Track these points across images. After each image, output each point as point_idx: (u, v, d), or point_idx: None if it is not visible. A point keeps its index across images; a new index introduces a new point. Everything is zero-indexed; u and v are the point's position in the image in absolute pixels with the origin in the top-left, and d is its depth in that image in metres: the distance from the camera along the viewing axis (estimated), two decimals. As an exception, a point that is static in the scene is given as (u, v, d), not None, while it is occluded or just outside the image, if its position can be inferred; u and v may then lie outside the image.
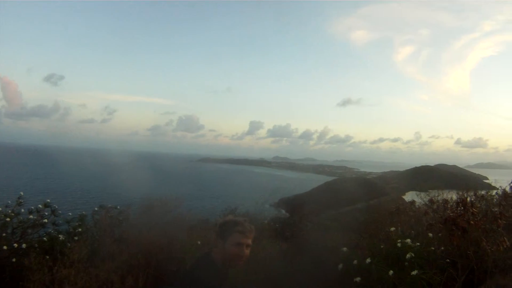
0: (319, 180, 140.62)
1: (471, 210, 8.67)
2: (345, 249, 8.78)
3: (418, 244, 8.36)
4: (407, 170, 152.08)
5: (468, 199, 11.50)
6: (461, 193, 12.04)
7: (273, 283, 8.59)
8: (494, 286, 8.15)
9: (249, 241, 3.57)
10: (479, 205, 11.35)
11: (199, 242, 9.37)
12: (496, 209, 10.40)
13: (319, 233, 13.81)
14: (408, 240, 8.30)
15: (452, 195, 12.45)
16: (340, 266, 8.14)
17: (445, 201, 11.39)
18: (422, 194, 15.69)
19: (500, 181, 14.53)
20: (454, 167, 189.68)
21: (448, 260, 8.36)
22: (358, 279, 7.74)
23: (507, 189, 12.03)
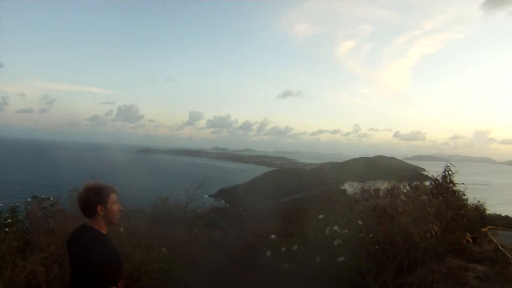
0: (258, 171, 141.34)
1: (399, 198, 8.83)
2: (273, 236, 8.78)
3: (347, 231, 8.42)
4: (345, 161, 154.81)
5: (402, 188, 11.72)
6: (395, 183, 12.21)
7: (203, 271, 8.53)
8: (425, 273, 8.28)
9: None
10: (410, 194, 11.56)
11: (121, 230, 9.21)
12: (425, 197, 10.58)
13: (256, 222, 13.80)
14: (336, 227, 8.35)
15: (387, 185, 12.60)
16: (268, 253, 8.12)
17: (377, 190, 11.52)
18: (360, 184, 15.86)
19: (436, 172, 14.80)
20: (392, 158, 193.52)
21: (377, 247, 8.43)
22: (286, 265, 7.74)
23: (438, 178, 12.25)
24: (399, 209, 8.61)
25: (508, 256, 21.33)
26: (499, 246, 25.38)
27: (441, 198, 10.35)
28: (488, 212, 47.24)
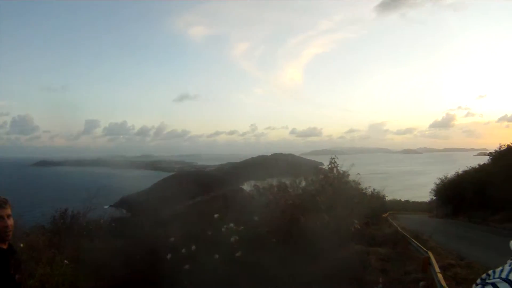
0: (157, 176, 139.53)
1: (288, 192, 9.27)
2: (172, 239, 8.98)
3: (243, 227, 8.75)
4: (244, 161, 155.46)
5: (298, 183, 12.15)
6: (292, 178, 12.63)
7: (107, 280, 8.60)
8: (329, 260, 8.72)
9: (8, 211, 3.75)
10: (302, 187, 12.04)
11: (22, 245, 9.15)
12: (312, 187, 11.10)
13: (157, 228, 13.92)
14: (232, 225, 8.68)
15: (285, 181, 12.97)
16: (169, 255, 8.33)
17: (271, 186, 11.90)
18: (259, 182, 16.19)
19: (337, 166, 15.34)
20: (290, 155, 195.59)
21: (274, 240, 8.79)
22: (187, 266, 7.96)
23: (327, 168, 12.79)
24: (290, 202, 9.05)
25: (407, 237, 22.41)
26: (399, 229, 26.57)
27: (330, 188, 10.90)
28: (388, 198, 49.06)
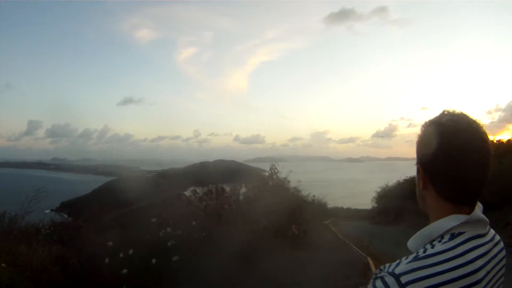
0: (99, 181, 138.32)
1: (226, 197, 9.40)
2: (110, 243, 8.99)
3: (180, 232, 8.85)
4: (187, 167, 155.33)
5: (239, 189, 12.26)
6: (233, 185, 12.77)
7: (45, 285, 8.54)
8: (268, 266, 8.85)
9: None
10: (242, 192, 12.19)
11: None
12: (250, 193, 11.27)
13: (97, 233, 13.84)
14: (169, 229, 8.77)
15: (226, 187, 13.09)
16: (107, 260, 8.33)
17: (209, 192, 12.00)
18: (199, 188, 16.26)
19: (278, 172, 15.50)
20: (233, 161, 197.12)
21: (212, 245, 8.89)
22: (125, 270, 7.98)
23: (267, 175, 12.98)
24: (226, 206, 9.19)
25: (348, 243, 22.76)
26: (339, 235, 26.97)
27: (268, 194, 11.09)
28: (330, 205, 49.64)
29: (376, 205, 50.80)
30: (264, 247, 9.48)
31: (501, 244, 1.66)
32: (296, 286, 9.05)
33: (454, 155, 1.51)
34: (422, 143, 1.61)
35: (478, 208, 1.58)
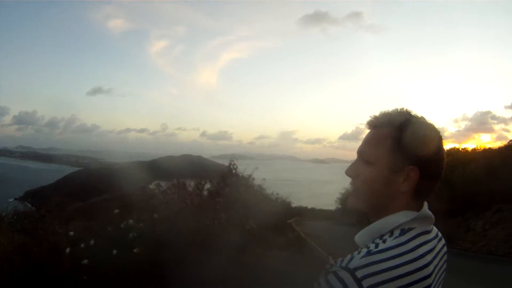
0: (64, 171, 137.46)
1: (188, 191, 9.56)
2: (72, 233, 9.06)
3: (142, 224, 8.97)
4: (153, 160, 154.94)
5: (204, 183, 12.38)
6: (198, 180, 12.88)
7: (6, 276, 8.57)
8: (225, 264, 8.98)
9: None
10: (206, 187, 12.32)
11: None
12: (213, 189, 11.42)
13: (61, 223, 13.82)
14: (131, 221, 8.89)
15: (190, 182, 13.17)
16: (68, 249, 8.39)
17: (172, 186, 12.08)
18: (164, 182, 16.30)
19: (242, 170, 15.57)
20: (199, 157, 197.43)
21: (173, 238, 9.00)
22: (85, 261, 8.06)
23: (227, 171, 13.12)
24: (188, 201, 9.36)
25: (309, 242, 22.97)
26: (302, 234, 27.16)
27: (228, 189, 11.26)
28: (294, 205, 49.85)
29: (340, 206, 51.24)
30: (225, 242, 9.60)
31: (443, 241, 1.73)
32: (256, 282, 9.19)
33: (444, 156, 1.67)
34: (422, 144, 1.59)
35: (425, 205, 1.65)
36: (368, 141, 1.69)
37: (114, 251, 8.09)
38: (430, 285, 1.46)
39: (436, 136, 1.65)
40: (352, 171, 1.71)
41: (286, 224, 29.73)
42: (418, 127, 1.60)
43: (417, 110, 1.65)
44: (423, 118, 1.66)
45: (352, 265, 1.36)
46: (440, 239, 1.70)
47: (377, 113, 1.70)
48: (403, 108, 1.68)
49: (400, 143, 1.58)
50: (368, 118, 1.72)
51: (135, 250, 8.08)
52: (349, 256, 1.43)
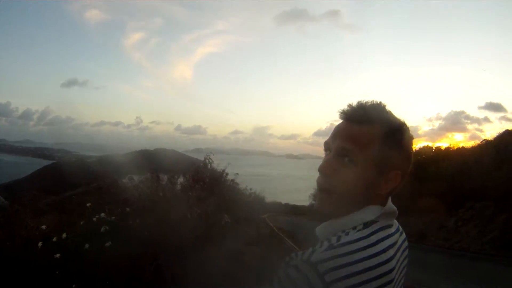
0: (38, 164, 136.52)
1: (161, 185, 9.62)
2: (44, 227, 9.06)
3: (114, 218, 8.98)
4: (127, 153, 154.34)
5: (176, 178, 12.41)
6: (171, 174, 12.92)
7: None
8: (200, 259, 9.02)
9: None
10: (179, 181, 12.37)
11: None
12: (186, 183, 11.49)
13: (34, 217, 13.76)
14: (103, 214, 8.90)
15: (163, 176, 13.19)
16: (40, 243, 8.38)
17: (145, 179, 12.11)
18: (137, 176, 16.27)
19: (216, 164, 15.62)
20: (173, 151, 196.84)
21: (146, 232, 9.02)
22: (58, 255, 8.05)
23: (202, 165, 13.20)
24: (161, 194, 9.41)
25: (282, 237, 23.09)
26: (275, 229, 27.29)
27: (202, 183, 11.35)
28: (268, 200, 49.92)
29: (314, 201, 51.57)
30: (198, 236, 9.64)
31: (404, 235, 1.68)
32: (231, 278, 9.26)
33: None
34: (410, 147, 1.60)
35: (389, 199, 1.61)
36: (353, 138, 1.54)
37: (86, 245, 8.10)
38: (392, 280, 1.43)
39: (410, 137, 1.61)
40: (328, 168, 1.60)
41: (260, 219, 29.78)
42: (407, 129, 1.58)
43: (391, 108, 1.61)
44: (398, 118, 1.62)
45: (314, 258, 1.32)
46: (401, 233, 1.66)
47: (354, 104, 1.60)
48: (380, 103, 1.59)
49: (391, 146, 1.54)
50: (344, 108, 1.63)
51: (107, 244, 8.08)
52: (310, 249, 1.39)
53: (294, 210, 63.08)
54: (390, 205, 1.60)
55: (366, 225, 1.50)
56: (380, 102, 1.60)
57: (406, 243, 1.69)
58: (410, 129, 1.62)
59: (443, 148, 39.69)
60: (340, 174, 1.55)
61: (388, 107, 1.61)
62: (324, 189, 1.63)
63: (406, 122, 1.61)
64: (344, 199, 1.55)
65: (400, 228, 1.68)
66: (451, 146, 39.67)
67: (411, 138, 1.60)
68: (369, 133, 1.53)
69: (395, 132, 1.55)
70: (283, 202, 74.65)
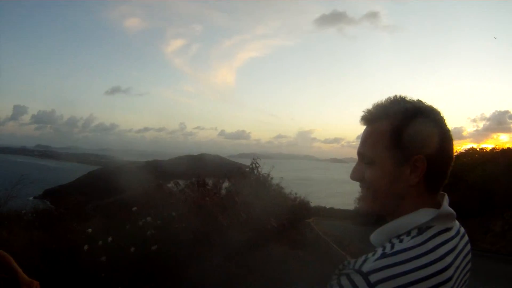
0: (83, 169, 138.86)
1: (208, 189, 9.53)
2: (90, 230, 9.04)
3: (160, 222, 8.92)
4: (171, 159, 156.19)
5: (221, 182, 12.33)
6: (217, 179, 12.85)
7: (25, 272, 8.53)
8: (248, 260, 8.93)
9: None
10: (225, 186, 12.30)
11: None
12: (232, 187, 11.38)
13: (80, 221, 13.87)
14: (149, 218, 8.84)
15: (208, 181, 13.13)
16: (86, 247, 8.36)
17: (191, 183, 12.05)
18: (182, 181, 16.29)
19: (260, 169, 15.57)
20: (217, 156, 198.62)
21: (192, 236, 8.96)
22: (103, 258, 8.02)
23: (248, 170, 13.11)
24: (207, 199, 9.31)
25: (328, 242, 22.88)
26: (321, 234, 27.06)
27: (248, 188, 11.22)
28: (313, 204, 49.77)
29: (358, 206, 51.09)
30: (244, 240, 9.54)
31: (466, 237, 1.62)
32: (274, 282, 9.13)
33: (451, 136, 1.52)
34: (423, 128, 1.47)
35: (446, 201, 1.53)
36: (365, 140, 1.56)
37: (132, 249, 8.05)
38: None
39: (436, 117, 1.52)
40: (356, 174, 1.61)
41: (305, 224, 29.64)
42: (416, 112, 1.49)
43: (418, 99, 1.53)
44: (420, 101, 1.54)
45: (365, 268, 1.26)
46: (462, 236, 1.59)
47: (370, 107, 1.59)
48: (396, 96, 1.56)
49: (399, 134, 1.47)
50: (362, 113, 1.61)
51: (153, 248, 8.02)
52: (363, 257, 1.33)
53: (339, 214, 62.93)
54: (445, 207, 1.49)
55: (421, 230, 1.41)
56: (395, 95, 1.56)
57: (468, 246, 1.62)
58: (454, 131, 1.58)
59: (488, 149, 38.92)
60: (365, 177, 1.55)
61: (408, 98, 1.55)
62: (361, 193, 1.62)
63: (431, 106, 1.54)
64: (377, 197, 1.52)
65: (462, 230, 1.62)
66: (496, 147, 38.82)
67: (436, 117, 1.52)
68: (376, 129, 1.53)
69: (409, 119, 1.48)
70: (328, 206, 74.67)
